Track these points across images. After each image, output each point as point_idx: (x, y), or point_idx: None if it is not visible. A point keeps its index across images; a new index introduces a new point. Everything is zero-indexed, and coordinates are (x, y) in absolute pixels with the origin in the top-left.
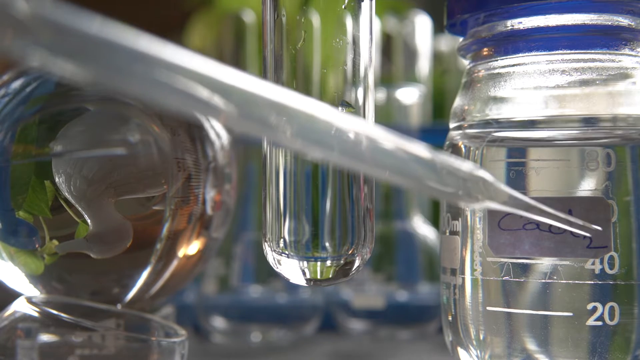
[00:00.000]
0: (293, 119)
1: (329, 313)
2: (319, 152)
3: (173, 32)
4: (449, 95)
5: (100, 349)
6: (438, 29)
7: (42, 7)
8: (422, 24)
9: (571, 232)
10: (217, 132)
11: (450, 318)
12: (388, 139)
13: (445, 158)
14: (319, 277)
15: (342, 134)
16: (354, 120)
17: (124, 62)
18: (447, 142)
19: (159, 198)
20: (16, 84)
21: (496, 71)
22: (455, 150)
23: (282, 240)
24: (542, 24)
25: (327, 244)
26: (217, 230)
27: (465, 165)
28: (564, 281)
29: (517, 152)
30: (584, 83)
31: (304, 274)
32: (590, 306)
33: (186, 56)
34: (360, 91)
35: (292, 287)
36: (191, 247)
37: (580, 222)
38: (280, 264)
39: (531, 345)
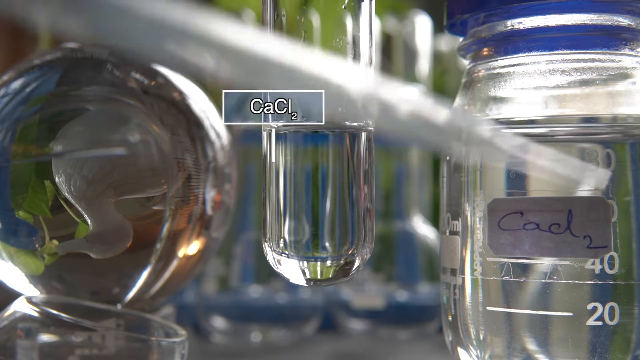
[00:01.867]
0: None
1: (329, 313)
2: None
3: None
4: (449, 95)
5: (100, 349)
6: (438, 29)
7: None
8: (422, 24)
9: (571, 232)
10: (217, 132)
11: (450, 318)
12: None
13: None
14: (319, 277)
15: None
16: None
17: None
18: None
19: (159, 198)
20: (16, 84)
21: (496, 71)
22: None
23: (282, 240)
24: (542, 24)
25: (327, 244)
26: (217, 230)
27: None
28: (564, 281)
29: None
30: (584, 83)
31: (304, 274)
32: (590, 306)
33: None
34: None
35: (292, 287)
36: (191, 247)
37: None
38: (280, 264)
39: (531, 345)
